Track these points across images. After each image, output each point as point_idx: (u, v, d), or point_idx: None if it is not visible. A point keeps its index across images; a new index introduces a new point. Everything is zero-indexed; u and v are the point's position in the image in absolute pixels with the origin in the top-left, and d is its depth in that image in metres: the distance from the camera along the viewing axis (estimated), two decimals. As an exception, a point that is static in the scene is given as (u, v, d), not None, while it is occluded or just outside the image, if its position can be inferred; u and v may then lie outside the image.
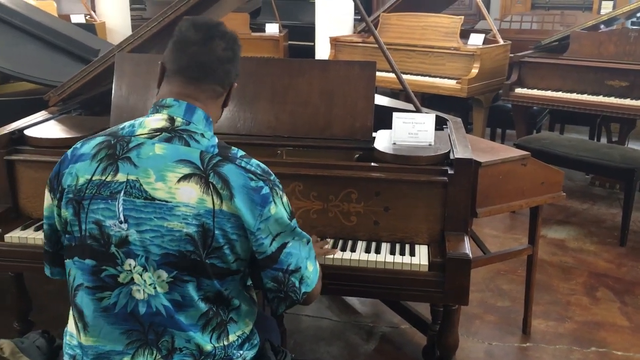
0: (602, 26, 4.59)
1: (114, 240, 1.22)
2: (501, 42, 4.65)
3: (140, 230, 1.21)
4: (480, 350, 2.53)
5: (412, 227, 1.85)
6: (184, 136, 1.26)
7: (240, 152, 1.30)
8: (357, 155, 2.00)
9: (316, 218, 1.87)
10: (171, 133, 1.26)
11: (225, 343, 1.31)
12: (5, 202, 2.00)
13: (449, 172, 1.79)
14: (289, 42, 6.67)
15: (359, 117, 2.01)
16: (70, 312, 1.34)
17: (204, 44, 1.30)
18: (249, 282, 1.38)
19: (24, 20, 3.05)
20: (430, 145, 1.96)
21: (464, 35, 4.69)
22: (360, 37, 5.14)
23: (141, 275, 1.23)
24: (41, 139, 2.03)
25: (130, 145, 1.25)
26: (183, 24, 1.33)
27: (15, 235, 1.91)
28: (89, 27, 5.46)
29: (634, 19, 6.16)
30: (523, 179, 2.24)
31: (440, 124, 2.18)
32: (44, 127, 2.13)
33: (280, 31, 6.41)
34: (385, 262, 1.76)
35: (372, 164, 1.88)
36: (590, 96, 4.08)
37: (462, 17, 4.67)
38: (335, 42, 5.18)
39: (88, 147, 1.29)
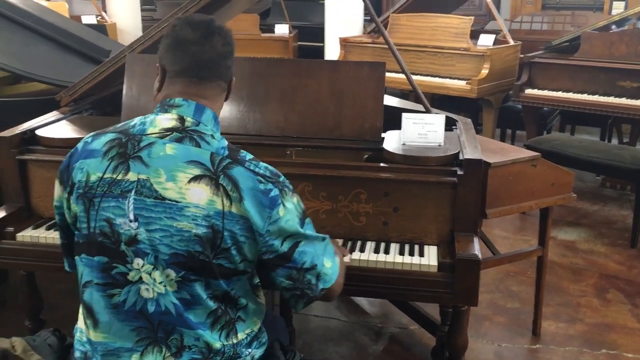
0: (613, 27, 4.56)
1: (123, 238, 1.23)
2: (511, 42, 4.63)
3: (149, 229, 1.22)
4: (490, 351, 2.53)
5: (421, 228, 1.85)
6: (195, 137, 1.26)
7: (249, 155, 1.30)
8: (367, 156, 2.00)
9: (325, 218, 1.88)
10: (182, 133, 1.26)
11: (234, 341, 1.32)
12: (18, 202, 2.02)
13: (459, 172, 1.79)
14: (299, 42, 6.68)
15: (369, 117, 2.01)
16: (80, 309, 1.35)
17: (204, 42, 1.30)
18: (257, 282, 1.38)
19: (36, 21, 3.07)
20: (439, 145, 1.96)
21: (474, 36, 4.68)
22: (370, 38, 5.13)
23: (150, 274, 1.23)
24: (53, 138, 2.04)
25: (142, 144, 1.25)
26: (177, 24, 1.33)
27: (27, 235, 1.93)
28: (100, 28, 5.50)
29: (646, 19, 6.11)
30: (533, 180, 2.23)
31: (449, 125, 2.18)
32: (56, 127, 2.15)
33: (289, 32, 6.42)
34: (394, 262, 1.76)
35: (382, 164, 1.88)
36: (601, 97, 4.05)
37: (472, 17, 4.66)
38: (344, 42, 5.18)
39: (99, 143, 1.30)
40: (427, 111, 2.16)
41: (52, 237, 1.90)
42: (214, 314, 1.28)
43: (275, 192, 1.25)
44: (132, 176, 1.23)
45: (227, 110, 2.06)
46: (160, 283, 1.24)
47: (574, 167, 3.47)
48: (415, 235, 1.86)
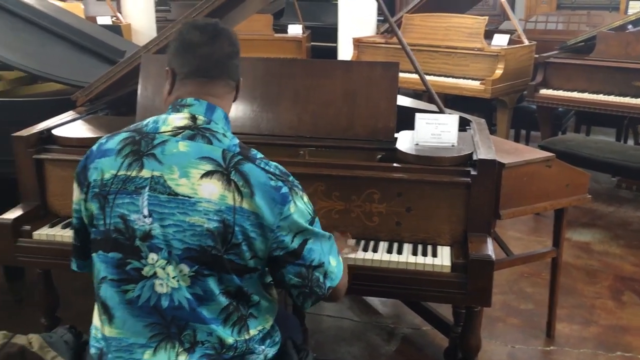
0: (629, 26, 4.51)
1: (138, 234, 1.25)
2: (526, 42, 4.60)
3: (163, 225, 1.24)
4: (503, 353, 2.51)
5: (434, 228, 1.85)
6: (207, 134, 1.29)
7: (260, 154, 1.33)
8: (380, 156, 2.00)
9: (338, 218, 1.88)
10: (194, 131, 1.29)
11: (246, 337, 1.33)
12: (34, 200, 2.05)
13: (472, 173, 1.78)
14: (312, 43, 6.69)
15: (382, 117, 2.01)
16: (95, 305, 1.36)
17: (211, 43, 1.35)
18: (269, 280, 1.39)
19: (52, 21, 3.10)
20: (453, 146, 1.95)
21: (488, 36, 4.66)
22: (383, 38, 5.13)
23: (164, 269, 1.25)
24: (69, 138, 2.06)
25: (155, 142, 1.28)
26: (183, 28, 1.38)
27: (44, 233, 1.95)
28: (115, 28, 5.55)
29: (663, 19, 6.05)
30: (547, 180, 2.21)
31: (463, 125, 2.17)
32: (72, 127, 2.17)
33: (303, 32, 6.43)
34: (407, 262, 1.76)
35: (395, 164, 1.88)
36: (617, 97, 4.02)
37: (486, 17, 4.63)
38: (357, 43, 5.18)
39: (113, 142, 1.33)
40: (441, 111, 2.16)
41: (68, 235, 1.91)
42: (225, 311, 1.29)
43: (285, 189, 1.28)
44: (146, 173, 1.26)
45: (241, 110, 2.07)
46: (173, 278, 1.25)
47: (589, 168, 3.44)
48: (428, 235, 1.85)
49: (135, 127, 1.36)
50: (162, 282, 1.26)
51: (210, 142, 1.28)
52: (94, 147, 1.36)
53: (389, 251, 1.81)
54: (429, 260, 1.76)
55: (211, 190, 1.23)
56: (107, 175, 1.29)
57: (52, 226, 1.99)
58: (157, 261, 1.25)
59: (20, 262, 1.99)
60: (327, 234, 1.38)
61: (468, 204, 1.80)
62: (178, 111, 1.34)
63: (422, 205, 1.83)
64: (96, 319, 1.36)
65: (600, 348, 2.53)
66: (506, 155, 2.13)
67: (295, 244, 1.29)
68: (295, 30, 6.45)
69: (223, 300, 1.28)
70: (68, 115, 2.31)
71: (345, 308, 2.84)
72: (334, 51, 6.00)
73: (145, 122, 1.36)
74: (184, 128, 1.30)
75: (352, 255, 1.78)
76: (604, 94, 4.08)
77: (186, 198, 1.23)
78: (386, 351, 2.53)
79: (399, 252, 1.80)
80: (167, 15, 7.55)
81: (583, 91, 4.19)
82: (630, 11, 5.95)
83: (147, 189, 1.25)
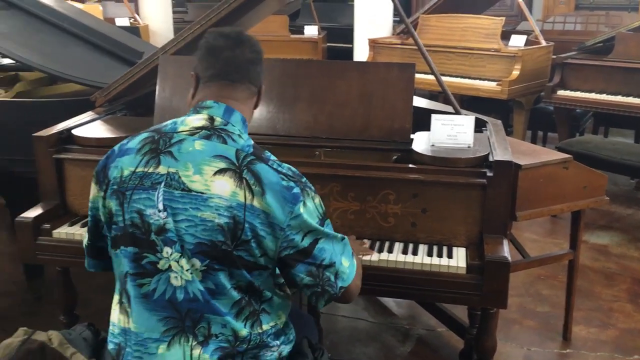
0: (649, 27, 4.47)
1: (153, 228, 1.28)
2: (543, 43, 4.57)
3: (176, 220, 1.27)
4: (519, 355, 2.50)
5: (450, 229, 1.84)
6: (223, 135, 1.33)
7: (273, 157, 1.36)
8: (395, 157, 2.00)
9: (353, 219, 1.89)
10: (210, 131, 1.33)
11: (260, 331, 1.35)
12: (54, 199, 2.07)
13: (488, 174, 1.78)
14: (328, 44, 6.69)
15: (398, 118, 2.01)
16: (113, 301, 1.39)
17: (234, 48, 1.39)
18: (282, 280, 1.40)
19: (72, 23, 3.14)
20: (469, 147, 1.95)
21: (505, 36, 4.63)
22: (399, 39, 5.12)
23: (178, 262, 1.28)
24: (88, 138, 2.09)
25: (173, 141, 1.32)
26: (209, 36, 1.43)
27: (63, 231, 1.98)
28: (133, 30, 5.60)
29: (684, 19, 5.97)
30: (564, 182, 2.20)
31: (479, 127, 2.16)
32: (91, 127, 2.20)
33: (319, 33, 6.44)
34: (422, 263, 1.76)
35: (410, 165, 1.88)
36: (635, 98, 3.97)
37: (503, 18, 4.61)
38: (373, 43, 5.17)
39: (134, 142, 1.37)
40: (457, 112, 2.15)
41: (86, 234, 1.94)
42: (238, 305, 1.31)
43: (297, 189, 1.30)
44: (162, 169, 1.30)
45: (257, 111, 2.07)
46: (187, 270, 1.28)
47: (607, 169, 3.40)
48: (444, 236, 1.85)
49: (155, 127, 1.41)
50: (177, 275, 1.28)
51: (225, 142, 1.32)
52: (116, 147, 1.40)
53: (404, 252, 1.81)
54: (444, 261, 1.76)
55: (223, 187, 1.26)
56: (125, 173, 1.33)
57: (71, 225, 2.02)
58: (171, 254, 1.28)
59: (40, 260, 2.01)
60: (340, 235, 1.39)
61: (484, 206, 1.79)
62: (197, 113, 1.38)
63: (438, 207, 1.83)
64: (114, 316, 1.39)
65: (618, 351, 2.51)
66: (523, 156, 2.12)
67: (306, 242, 1.31)
68: (311, 31, 6.46)
69: (235, 294, 1.30)
70: (87, 115, 2.34)
71: (360, 309, 2.84)
72: (349, 52, 5.99)
73: (165, 123, 1.40)
74: (201, 128, 1.34)
75: (367, 257, 1.78)
76: (623, 95, 4.03)
77: (199, 194, 1.27)
78: (401, 352, 2.53)
79: (415, 253, 1.80)
80: (184, 17, 7.60)
81: (601, 92, 4.15)
82: (650, 11, 5.87)
83: (162, 184, 1.29)
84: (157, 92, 2.17)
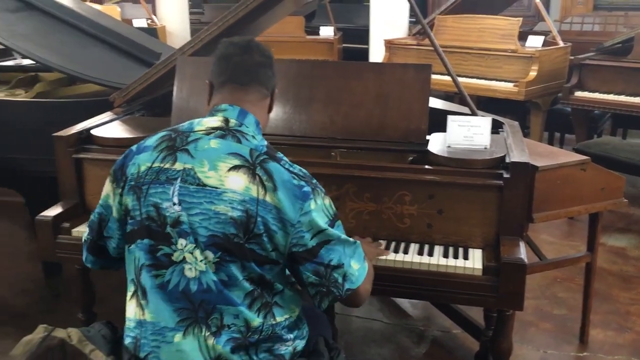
0: (669, 27, 4.42)
1: (169, 220, 1.32)
2: (561, 44, 4.54)
3: (190, 213, 1.31)
4: (535, 358, 2.49)
5: (466, 231, 1.84)
6: (237, 135, 1.38)
7: (285, 158, 1.40)
8: (411, 158, 2.00)
9: (369, 219, 1.89)
10: (225, 131, 1.39)
11: (273, 322, 1.37)
12: (73, 198, 2.10)
13: (505, 175, 1.77)
14: (343, 44, 6.70)
15: (414, 119, 2.01)
16: (127, 297, 1.42)
17: (243, 53, 1.47)
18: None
19: (91, 24, 3.18)
20: (485, 148, 1.94)
21: (523, 37, 4.60)
22: (415, 40, 5.11)
23: (192, 253, 1.31)
24: (107, 138, 2.12)
25: (189, 139, 1.38)
26: (221, 45, 1.51)
27: (82, 230, 2.00)
28: (151, 31, 5.65)
29: None
30: (582, 184, 2.18)
31: (496, 128, 2.15)
32: (110, 127, 2.23)
33: (334, 34, 6.44)
34: (438, 264, 1.76)
35: (426, 166, 1.88)
36: (655, 100, 3.93)
37: (521, 18, 4.58)
38: (389, 44, 5.17)
39: (151, 140, 1.43)
40: (473, 113, 2.15)
41: (105, 233, 1.96)
42: (250, 295, 1.34)
43: (307, 188, 1.34)
44: (178, 166, 1.35)
45: (273, 112, 2.07)
46: (201, 261, 1.31)
47: (626, 172, 3.36)
48: (460, 238, 1.85)
49: (173, 127, 1.46)
50: (191, 267, 1.32)
51: (240, 142, 1.37)
52: (134, 147, 1.45)
53: (420, 253, 1.81)
54: (460, 262, 1.75)
55: (237, 182, 1.31)
56: (142, 168, 1.38)
57: (90, 224, 2.04)
58: (186, 246, 1.31)
59: (59, 258, 2.04)
60: (352, 239, 1.41)
61: (500, 207, 1.79)
62: (213, 115, 1.44)
63: (454, 208, 1.83)
64: (129, 311, 1.41)
65: (635, 355, 2.48)
66: (540, 158, 2.11)
67: (314, 242, 1.34)
68: (327, 32, 6.47)
69: (247, 285, 1.33)
70: (106, 115, 2.37)
71: (375, 310, 2.84)
72: (365, 53, 6.00)
73: (182, 124, 1.46)
74: (216, 128, 1.39)
75: (382, 257, 1.79)
76: (642, 97, 3.99)
77: (213, 188, 1.31)
78: (416, 353, 2.53)
79: (430, 254, 1.80)
80: (200, 18, 7.65)
81: (620, 94, 4.11)
82: (670, 12, 5.79)
83: (178, 180, 1.33)
84: (174, 93, 2.19)
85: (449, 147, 1.96)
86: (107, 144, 2.10)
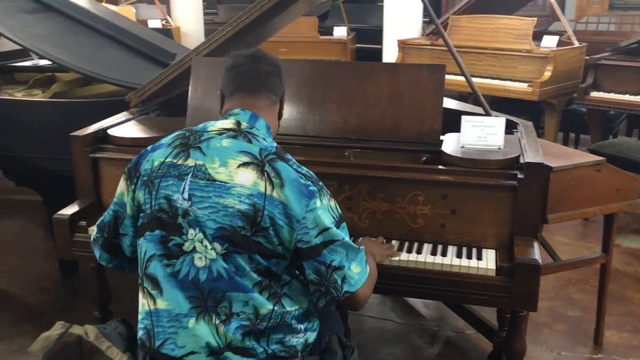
0: (686, 27, 4.37)
1: (180, 212, 1.36)
2: (576, 44, 4.51)
3: (200, 207, 1.35)
4: (549, 359, 2.47)
5: (479, 231, 1.84)
6: (248, 136, 1.44)
7: (294, 159, 1.45)
8: (425, 158, 2.01)
9: (382, 219, 1.89)
10: (237, 132, 1.44)
11: (282, 310, 1.40)
12: (90, 197, 2.13)
13: (519, 176, 1.77)
14: (357, 45, 6.70)
15: (427, 120, 2.01)
16: (140, 294, 1.45)
17: (252, 62, 1.54)
18: None
19: (107, 25, 3.21)
20: (499, 149, 1.94)
21: (537, 37, 4.58)
22: (429, 40, 5.10)
23: (202, 242, 1.35)
24: (123, 138, 2.14)
25: (202, 138, 1.43)
26: (231, 57, 1.58)
27: (98, 229, 2.02)
28: (166, 31, 5.68)
29: None
30: (597, 185, 2.17)
31: (510, 128, 2.15)
32: (125, 127, 2.25)
33: (348, 34, 6.45)
34: (451, 265, 1.76)
35: (440, 166, 1.88)
36: (672, 100, 3.89)
37: (535, 18, 4.56)
38: (403, 44, 5.16)
39: (166, 139, 1.49)
40: (487, 114, 2.14)
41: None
42: (259, 285, 1.37)
43: (314, 187, 1.39)
44: (190, 162, 1.40)
45: (287, 112, 2.11)
46: (211, 250, 1.35)
47: (641, 172, 3.34)
48: (473, 238, 1.85)
49: (187, 128, 1.51)
50: (201, 256, 1.35)
51: (250, 142, 1.42)
52: (149, 147, 1.50)
53: (433, 253, 1.81)
54: (473, 263, 1.75)
55: (246, 178, 1.36)
56: (156, 163, 1.43)
57: (106, 222, 2.06)
58: (196, 236, 1.35)
59: (76, 256, 2.07)
60: (356, 245, 1.45)
61: (514, 208, 1.78)
62: (225, 119, 1.50)
63: (467, 208, 1.83)
64: (140, 305, 1.45)
65: (651, 358, 2.47)
66: (554, 158, 2.10)
67: (318, 240, 1.37)
68: (340, 32, 6.47)
69: (255, 276, 1.36)
70: (122, 115, 2.39)
71: (388, 309, 2.84)
72: (379, 53, 5.99)
73: (197, 125, 1.51)
74: (228, 130, 1.45)
75: (396, 258, 1.79)
76: (658, 97, 3.95)
77: (223, 183, 1.36)
78: (429, 354, 2.53)
79: (444, 254, 1.80)
80: (214, 18, 7.69)
81: (636, 94, 4.07)
82: (688, 11, 5.73)
83: (190, 175, 1.38)
84: (189, 93, 2.21)
85: (462, 147, 1.95)
86: (123, 143, 2.13)
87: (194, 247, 1.36)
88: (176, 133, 1.49)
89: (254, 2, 2.22)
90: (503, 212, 1.80)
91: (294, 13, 2.67)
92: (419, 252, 1.82)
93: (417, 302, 2.90)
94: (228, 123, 1.46)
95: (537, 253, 1.70)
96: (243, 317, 1.36)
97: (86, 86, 3.41)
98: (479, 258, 1.78)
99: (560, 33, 4.75)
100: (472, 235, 1.85)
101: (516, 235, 1.79)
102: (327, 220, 1.38)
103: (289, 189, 1.35)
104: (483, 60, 4.60)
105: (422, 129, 2.01)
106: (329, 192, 1.43)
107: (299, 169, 1.41)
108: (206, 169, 1.37)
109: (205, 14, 7.15)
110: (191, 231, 1.35)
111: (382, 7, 5.90)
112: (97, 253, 1.63)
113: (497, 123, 1.96)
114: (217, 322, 1.35)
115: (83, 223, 2.04)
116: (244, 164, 1.37)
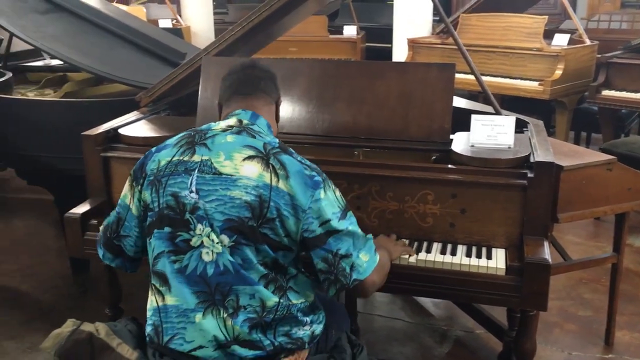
0: (699, 25, 4.33)
1: (187, 207, 1.39)
2: (588, 42, 4.47)
3: (207, 200, 1.38)
4: (560, 359, 2.46)
5: (489, 230, 1.83)
6: (251, 132, 1.48)
7: (296, 153, 1.48)
8: (434, 157, 2.00)
9: (392, 218, 1.89)
10: (241, 128, 1.49)
11: (288, 303, 1.41)
12: (101, 196, 2.14)
13: (529, 175, 1.76)
14: (367, 44, 6.69)
15: (437, 119, 2.01)
16: (149, 292, 1.47)
17: (244, 70, 1.62)
18: None
19: (118, 25, 3.23)
20: (509, 148, 1.93)
21: (548, 35, 4.55)
22: (439, 39, 5.09)
23: (209, 237, 1.37)
24: (134, 137, 2.15)
25: (207, 135, 1.48)
26: (228, 71, 1.65)
27: (109, 227, 2.04)
28: (176, 31, 5.71)
29: None
30: (608, 184, 2.15)
31: (520, 127, 2.14)
32: (136, 127, 2.26)
33: (357, 33, 6.44)
34: (461, 264, 1.75)
35: (449, 165, 1.88)
36: (684, 99, 3.85)
37: (546, 17, 4.53)
38: (413, 43, 5.15)
39: (172, 139, 1.53)
40: (497, 113, 2.14)
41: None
42: (265, 278, 1.39)
43: (318, 178, 1.42)
44: (196, 158, 1.43)
45: (297, 111, 2.12)
46: (218, 243, 1.37)
47: (654, 172, 3.31)
48: (483, 237, 1.84)
49: (192, 128, 1.55)
50: (208, 250, 1.37)
51: (254, 137, 1.46)
52: (153, 148, 1.53)
53: (443, 252, 1.80)
54: (483, 262, 1.75)
55: (251, 170, 1.39)
56: (162, 163, 1.45)
57: (116, 221, 2.08)
58: (203, 230, 1.37)
59: (87, 254, 2.08)
60: (363, 233, 1.46)
61: (524, 207, 1.77)
62: (228, 119, 1.55)
63: (477, 207, 1.82)
64: (149, 302, 1.47)
65: (663, 358, 2.45)
66: (565, 157, 2.09)
67: (322, 229, 1.38)
68: (350, 31, 6.47)
69: (262, 269, 1.38)
70: (132, 115, 2.41)
71: (398, 309, 2.84)
72: (388, 52, 5.98)
73: (201, 126, 1.55)
74: (232, 127, 1.50)
75: (405, 256, 1.79)
76: (671, 96, 3.92)
77: (229, 176, 1.39)
78: (439, 353, 2.52)
79: (453, 253, 1.80)
80: (224, 18, 7.71)
81: (648, 93, 4.04)
82: (701, 8, 5.67)
83: (196, 170, 1.41)
84: (199, 93, 2.22)
85: (472, 146, 1.95)
86: (133, 142, 2.14)
87: (202, 242, 1.38)
88: (181, 134, 1.52)
89: (263, 2, 2.23)
90: (513, 211, 1.80)
91: (303, 12, 2.68)
92: (428, 251, 1.82)
93: (426, 302, 2.89)
94: (231, 121, 1.51)
95: (547, 252, 1.70)
96: (250, 310, 1.38)
97: (97, 86, 3.44)
98: (489, 257, 1.77)
99: (571, 31, 4.73)
100: (481, 234, 1.84)
101: (526, 235, 1.78)
102: (331, 210, 1.40)
103: (295, 180, 1.38)
104: (493, 59, 4.58)
105: (432, 128, 2.01)
106: (332, 183, 1.46)
107: (302, 161, 1.44)
108: (212, 163, 1.41)
109: (215, 13, 7.17)
110: (199, 226, 1.38)
111: (392, 5, 5.89)
112: (100, 252, 1.66)
113: (507, 122, 1.95)
114: (225, 315, 1.37)
115: (94, 222, 2.05)
116: (249, 157, 1.40)
